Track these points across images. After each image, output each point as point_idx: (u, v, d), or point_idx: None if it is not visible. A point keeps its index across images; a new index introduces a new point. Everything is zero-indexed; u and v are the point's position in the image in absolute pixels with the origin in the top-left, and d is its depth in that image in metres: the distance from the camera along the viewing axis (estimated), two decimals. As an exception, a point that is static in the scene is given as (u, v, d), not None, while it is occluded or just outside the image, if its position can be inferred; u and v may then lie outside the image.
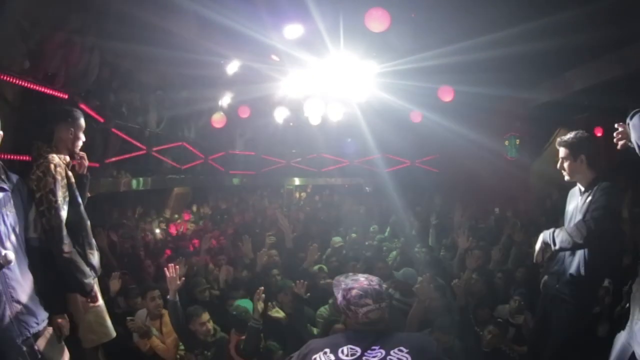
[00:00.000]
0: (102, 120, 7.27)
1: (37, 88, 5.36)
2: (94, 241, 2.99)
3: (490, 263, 6.01)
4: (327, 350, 2.06)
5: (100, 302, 3.15)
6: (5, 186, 2.45)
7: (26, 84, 5.22)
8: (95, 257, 2.95)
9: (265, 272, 5.40)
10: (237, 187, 14.89)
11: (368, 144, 12.99)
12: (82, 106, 6.03)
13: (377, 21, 5.84)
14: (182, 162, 11.19)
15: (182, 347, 4.33)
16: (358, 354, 2.02)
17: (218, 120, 10.84)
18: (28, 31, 5.76)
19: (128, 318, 4.29)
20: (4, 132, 2.50)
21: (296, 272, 5.42)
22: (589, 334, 3.71)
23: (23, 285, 2.44)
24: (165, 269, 4.19)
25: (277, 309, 4.50)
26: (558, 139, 3.37)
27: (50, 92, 5.58)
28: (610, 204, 2.98)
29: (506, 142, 11.76)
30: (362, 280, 2.26)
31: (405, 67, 7.85)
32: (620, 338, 2.61)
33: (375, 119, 11.79)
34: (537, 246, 3.26)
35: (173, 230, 10.04)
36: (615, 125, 2.64)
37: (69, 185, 2.84)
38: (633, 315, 2.55)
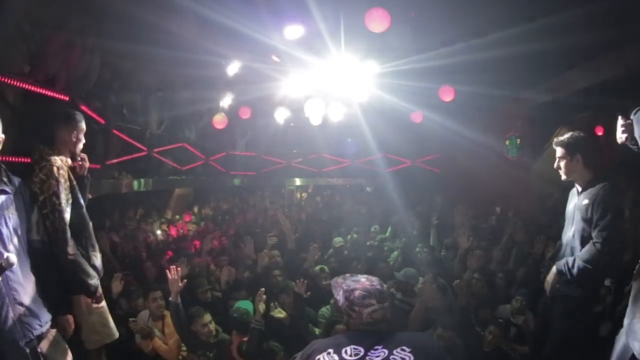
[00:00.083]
0: (103, 121, 7.28)
1: (38, 90, 5.36)
2: (96, 243, 3.01)
3: (492, 263, 6.01)
4: (331, 350, 2.06)
5: (103, 303, 3.17)
6: (7, 189, 2.46)
7: (27, 86, 5.22)
8: (97, 259, 2.97)
9: (266, 272, 5.40)
10: (238, 187, 14.88)
11: (369, 144, 12.98)
12: (83, 108, 6.05)
13: (377, 21, 5.84)
14: (183, 163, 11.19)
15: (184, 348, 4.34)
16: (361, 354, 2.02)
17: (219, 121, 10.85)
18: (28, 33, 5.76)
19: (130, 319, 4.31)
20: (4, 134, 2.51)
21: (298, 272, 5.43)
22: (590, 333, 3.71)
23: (25, 288, 2.45)
24: (167, 270, 4.19)
25: (279, 309, 4.51)
26: (555, 139, 3.41)
27: (51, 94, 5.58)
28: (613, 220, 3.04)
29: (507, 142, 11.72)
30: (364, 281, 2.27)
31: (406, 67, 7.84)
32: (621, 338, 2.61)
33: (376, 119, 11.79)
34: (551, 278, 3.31)
35: (174, 232, 10.04)
36: (619, 119, 2.65)
37: (71, 187, 2.85)
38: (634, 313, 2.54)
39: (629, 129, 2.58)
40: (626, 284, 3.15)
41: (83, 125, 3.05)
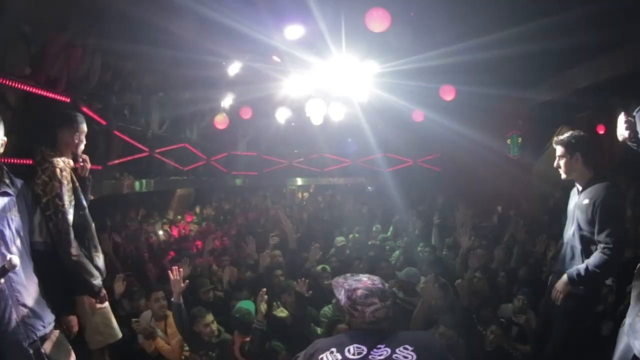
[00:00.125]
0: (104, 122, 7.30)
1: (40, 92, 5.37)
2: (98, 244, 3.02)
3: (493, 262, 6.01)
4: (334, 349, 2.07)
5: (106, 303, 3.18)
6: (9, 191, 2.47)
7: (28, 88, 5.23)
8: (100, 260, 2.99)
9: (268, 272, 5.41)
10: (240, 187, 14.90)
11: (370, 143, 13.00)
12: (85, 109, 6.06)
13: (378, 21, 5.85)
14: (185, 163, 11.22)
15: (187, 348, 4.35)
16: (364, 352, 2.03)
17: (221, 121, 10.87)
18: (30, 35, 5.78)
19: (133, 320, 4.32)
20: (6, 136, 2.52)
21: (299, 272, 5.43)
22: (592, 332, 3.72)
23: (29, 289, 2.46)
24: (169, 271, 4.19)
25: (282, 308, 4.52)
26: (554, 138, 3.41)
27: (53, 95, 5.59)
28: (618, 221, 3.06)
29: (508, 141, 11.73)
30: (365, 280, 2.28)
31: (406, 67, 7.85)
32: (623, 337, 2.61)
33: (377, 118, 11.80)
34: (561, 286, 3.27)
35: (175, 232, 10.05)
36: (622, 114, 2.65)
37: (74, 189, 2.87)
38: (636, 313, 2.54)
39: (631, 126, 2.58)
40: (627, 283, 3.15)
41: (84, 126, 3.06)
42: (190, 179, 11.68)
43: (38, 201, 2.69)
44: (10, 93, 5.25)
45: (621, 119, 2.65)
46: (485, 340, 4.14)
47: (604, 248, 3.05)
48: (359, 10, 5.95)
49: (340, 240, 7.36)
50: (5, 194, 2.44)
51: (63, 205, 2.72)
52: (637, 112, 2.46)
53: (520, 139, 11.59)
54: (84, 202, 2.95)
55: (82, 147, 3.04)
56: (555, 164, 3.41)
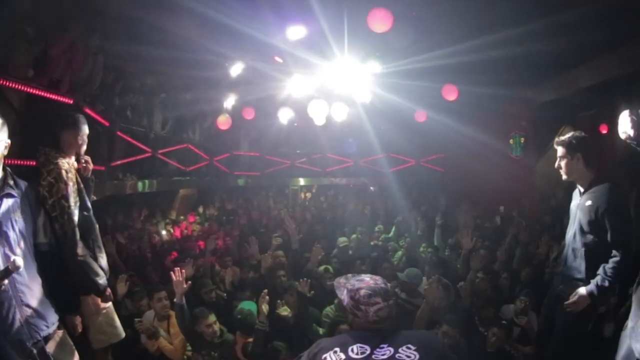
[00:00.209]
0: (107, 124, 7.31)
1: (42, 94, 5.39)
2: (102, 244, 3.04)
3: (496, 263, 6.00)
4: (337, 349, 2.07)
5: (110, 303, 3.20)
6: (13, 192, 2.49)
7: (31, 90, 5.25)
8: (104, 260, 3.01)
9: (271, 273, 5.41)
10: (243, 188, 14.93)
11: (372, 143, 13.00)
12: (87, 110, 6.08)
13: (380, 21, 5.84)
14: (187, 164, 11.23)
15: (189, 348, 4.36)
16: (367, 352, 2.04)
17: (223, 122, 10.89)
18: (32, 37, 5.79)
19: (136, 320, 4.34)
20: (10, 138, 2.53)
21: (302, 272, 5.44)
22: (594, 334, 3.70)
23: (32, 290, 2.47)
24: (172, 272, 4.21)
25: (285, 307, 4.52)
26: (556, 139, 3.39)
27: (56, 97, 5.61)
28: (626, 223, 3.05)
29: (511, 141, 11.69)
30: (368, 280, 2.29)
31: (409, 67, 7.84)
32: (625, 340, 2.61)
33: (379, 118, 11.79)
34: (582, 301, 3.15)
35: (178, 233, 10.08)
36: (625, 112, 2.64)
37: (78, 190, 2.89)
38: (639, 316, 2.54)
39: (635, 124, 2.56)
40: (629, 284, 3.14)
41: (86, 128, 3.08)
42: (192, 179, 11.70)
43: (44, 202, 2.71)
44: (14, 95, 5.27)
45: (625, 116, 2.64)
46: (487, 342, 4.14)
47: (617, 252, 3.01)
48: (361, 10, 5.95)
49: (342, 240, 7.37)
50: (9, 195, 2.45)
51: (69, 207, 2.74)
52: None
53: (522, 139, 11.55)
54: (89, 204, 2.98)
55: (84, 148, 3.06)
56: (556, 165, 3.39)
